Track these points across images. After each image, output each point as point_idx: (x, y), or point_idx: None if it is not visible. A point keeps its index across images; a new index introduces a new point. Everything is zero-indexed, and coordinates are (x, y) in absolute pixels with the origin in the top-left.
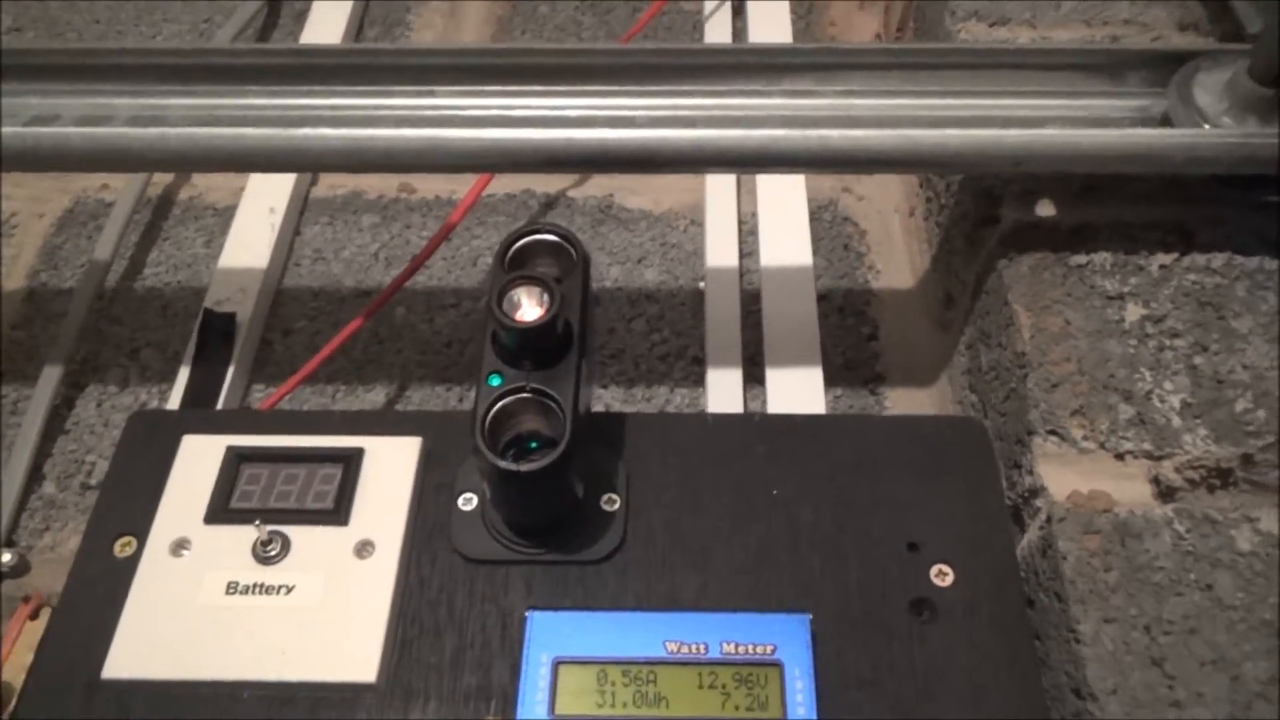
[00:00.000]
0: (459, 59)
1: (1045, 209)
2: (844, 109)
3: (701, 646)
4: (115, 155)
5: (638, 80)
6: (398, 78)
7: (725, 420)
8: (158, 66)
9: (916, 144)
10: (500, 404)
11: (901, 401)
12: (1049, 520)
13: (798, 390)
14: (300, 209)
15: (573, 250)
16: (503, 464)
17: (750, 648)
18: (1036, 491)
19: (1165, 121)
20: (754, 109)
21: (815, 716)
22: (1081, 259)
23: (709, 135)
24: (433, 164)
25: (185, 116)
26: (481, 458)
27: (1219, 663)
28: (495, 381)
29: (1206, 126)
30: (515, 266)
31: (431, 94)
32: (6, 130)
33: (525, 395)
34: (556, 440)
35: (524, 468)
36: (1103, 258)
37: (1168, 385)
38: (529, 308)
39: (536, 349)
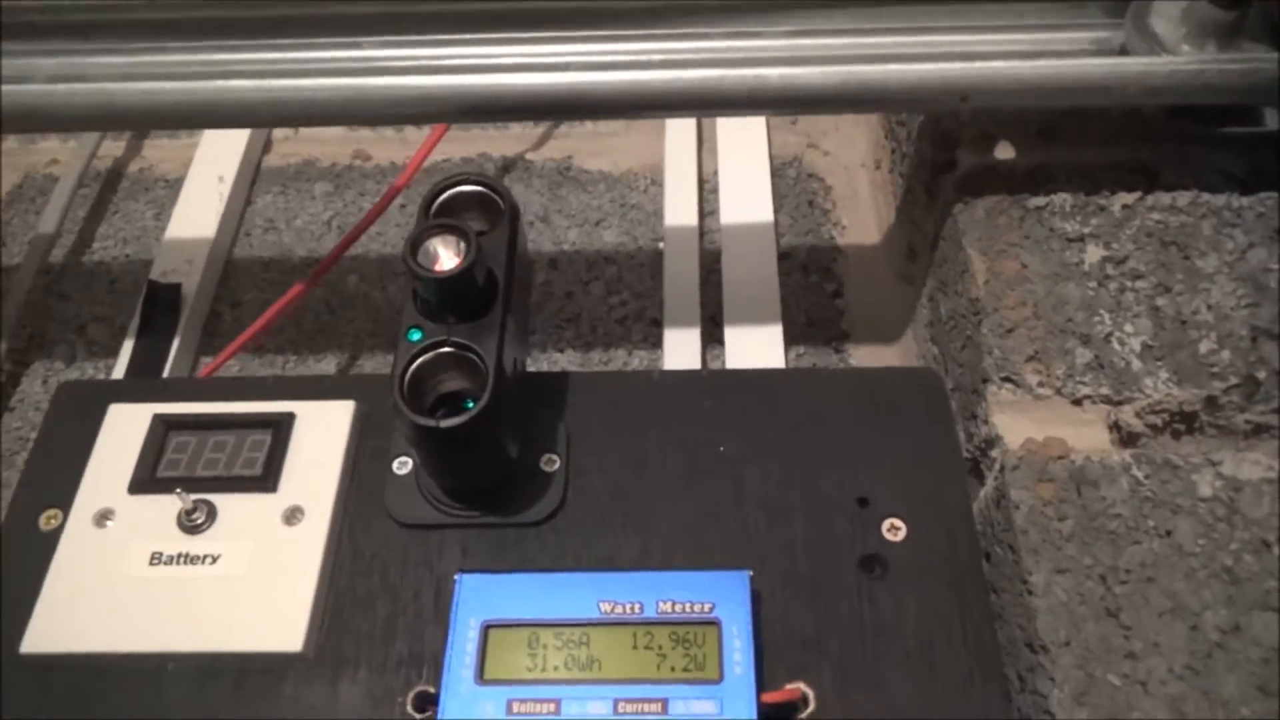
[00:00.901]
0: (385, 7)
1: (1004, 151)
2: (786, 49)
3: (637, 606)
4: (31, 113)
5: (572, 26)
6: (322, 29)
7: (672, 377)
8: (75, 24)
9: (858, 80)
10: (420, 359)
11: (866, 358)
12: (1002, 469)
13: (757, 349)
14: (251, 178)
15: (499, 200)
16: (420, 420)
17: (687, 606)
18: (992, 441)
19: (1123, 53)
20: (693, 52)
21: (753, 676)
22: (1040, 201)
23: (645, 77)
24: (355, 115)
25: (104, 73)
26: (400, 415)
27: (1177, 611)
28: (415, 336)
29: (1165, 55)
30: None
31: (357, 45)
32: None
33: (446, 350)
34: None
35: (443, 424)
36: (1062, 199)
37: (1128, 328)
38: (446, 258)
39: (458, 302)
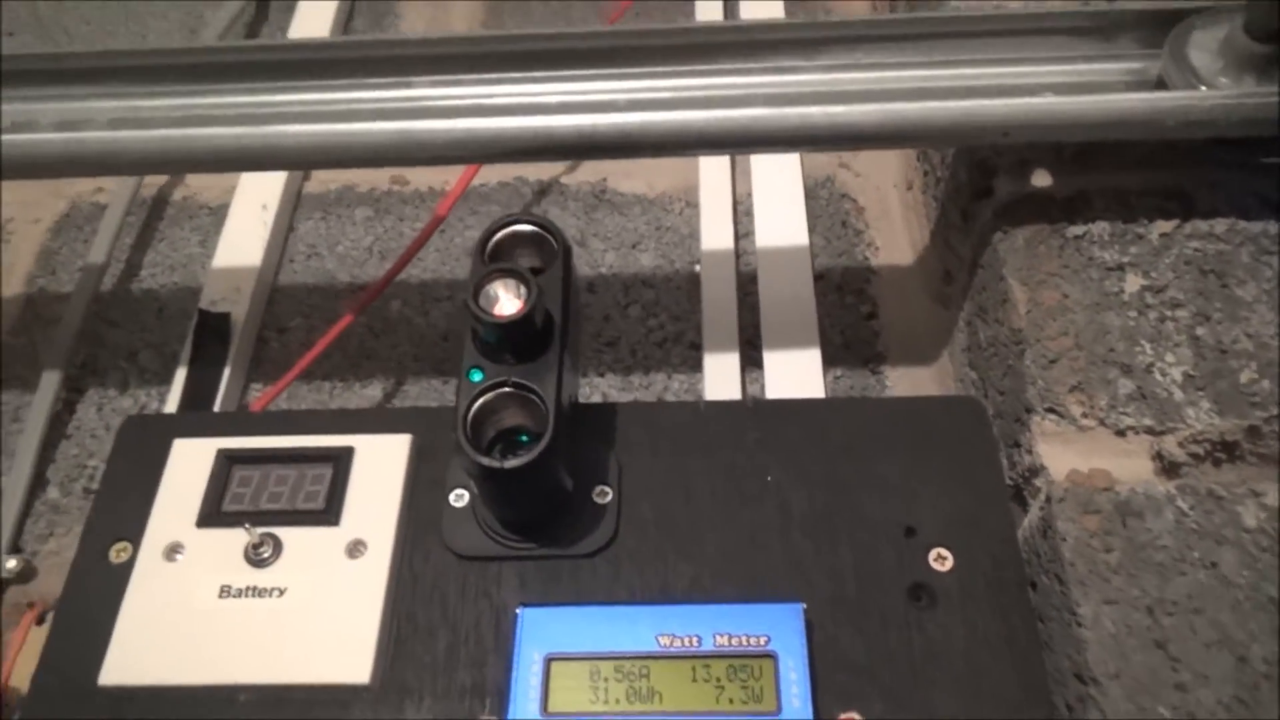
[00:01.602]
0: (436, 48)
1: (1041, 179)
2: (828, 84)
3: (694, 639)
4: (94, 160)
5: (617, 63)
6: (375, 69)
7: (717, 407)
8: (133, 68)
9: (900, 118)
10: (481, 399)
11: (903, 380)
12: (1048, 500)
13: (796, 372)
14: (293, 205)
15: (553, 240)
16: (485, 461)
17: (743, 639)
18: (1036, 471)
19: (1160, 84)
20: (736, 88)
21: (810, 709)
22: (1078, 230)
23: (689, 117)
24: (411, 157)
25: (162, 118)
26: (465, 455)
27: (1224, 643)
28: (476, 377)
29: (1203, 88)
30: (495, 259)
31: (409, 85)
32: None
33: (507, 390)
34: (542, 434)
35: (508, 464)
36: (1100, 228)
37: (1169, 357)
38: (507, 301)
39: (517, 343)
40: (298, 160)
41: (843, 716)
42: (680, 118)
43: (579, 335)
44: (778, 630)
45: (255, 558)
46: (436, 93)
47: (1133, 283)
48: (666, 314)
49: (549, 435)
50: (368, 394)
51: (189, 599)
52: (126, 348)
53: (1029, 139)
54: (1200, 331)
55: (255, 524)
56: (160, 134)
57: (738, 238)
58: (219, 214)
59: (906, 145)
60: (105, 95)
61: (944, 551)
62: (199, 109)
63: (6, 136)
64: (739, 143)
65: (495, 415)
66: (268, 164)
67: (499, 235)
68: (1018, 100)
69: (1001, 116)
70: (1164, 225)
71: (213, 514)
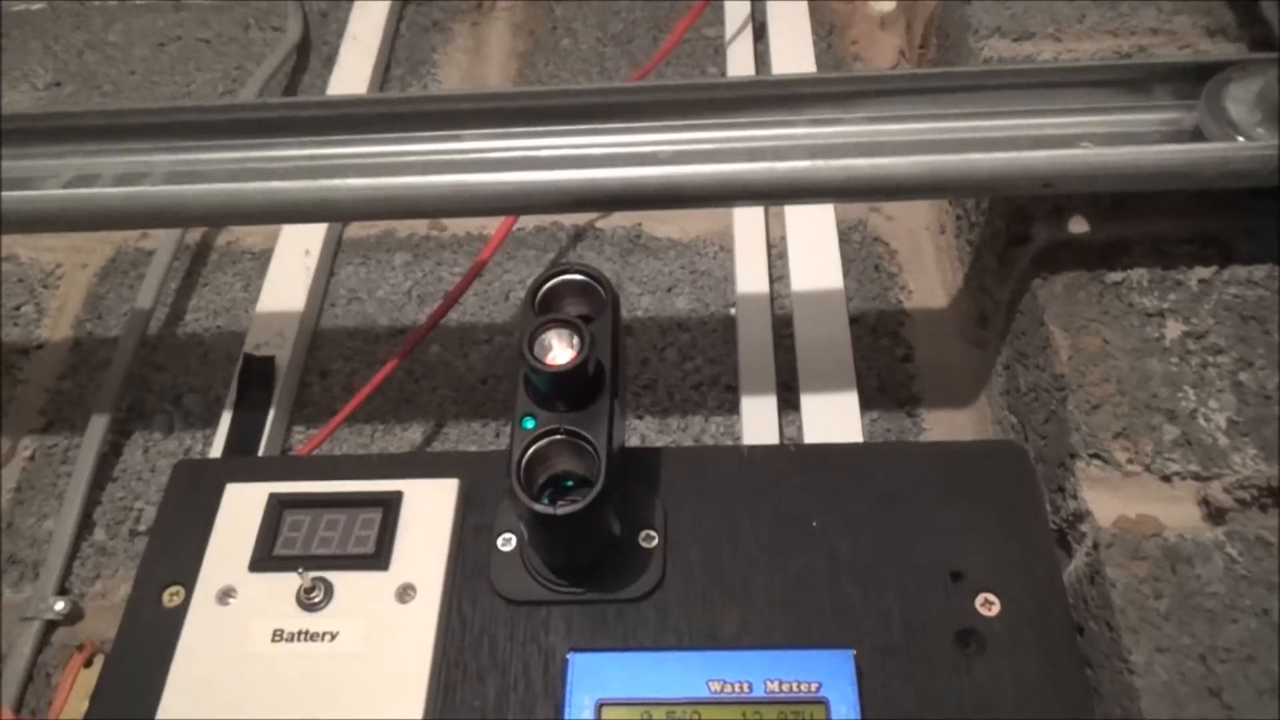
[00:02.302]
0: (483, 103)
1: (1078, 226)
2: (869, 135)
3: (745, 685)
4: (151, 213)
5: (660, 116)
6: (424, 124)
7: (761, 452)
8: (189, 123)
9: (944, 170)
10: (534, 447)
11: (939, 423)
12: (1095, 546)
13: (833, 416)
14: (334, 250)
15: (601, 290)
16: (539, 508)
17: (794, 685)
18: (1081, 516)
19: (1197, 135)
20: (778, 139)
21: None
22: (1117, 276)
23: (734, 169)
24: (460, 209)
25: (218, 171)
26: (518, 502)
27: (1277, 691)
28: (529, 424)
29: (1240, 139)
30: (545, 308)
31: (458, 138)
32: (47, 193)
33: (559, 437)
34: (591, 480)
35: (560, 511)
36: (1139, 274)
37: (1212, 403)
38: (560, 351)
39: (569, 391)
40: (353, 213)
41: None
42: (726, 170)
43: (626, 381)
44: (828, 676)
45: (307, 602)
46: (485, 145)
47: (1173, 329)
48: (703, 357)
49: (601, 482)
50: (408, 437)
51: (242, 642)
52: (172, 391)
53: (1070, 190)
54: (1243, 377)
55: (306, 568)
56: (219, 188)
57: (772, 281)
58: (262, 259)
59: (948, 195)
60: (162, 150)
61: (991, 597)
62: (253, 162)
63: (73, 191)
64: (784, 194)
65: (546, 461)
66: (323, 216)
67: (549, 284)
68: (1059, 152)
69: (1044, 168)
70: (1203, 271)
71: (265, 558)
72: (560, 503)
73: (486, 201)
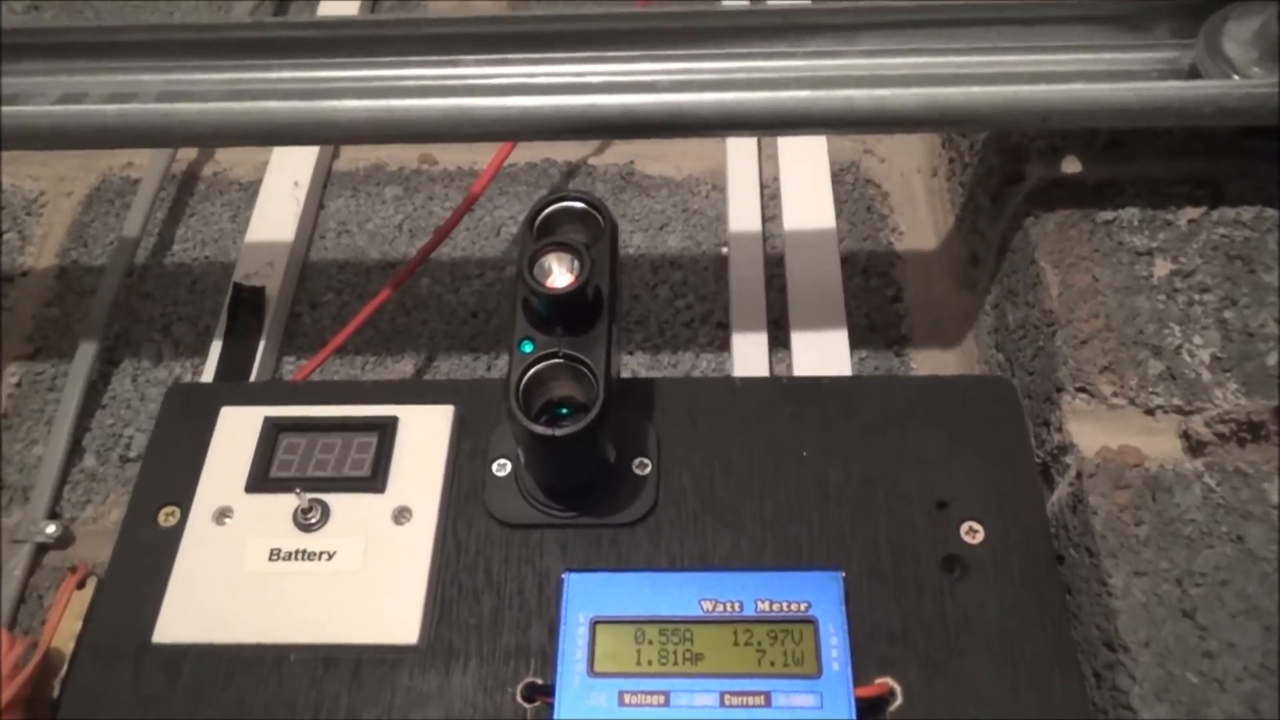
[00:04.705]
0: (480, 27)
1: (1071, 165)
2: (869, 69)
3: (736, 604)
4: (144, 131)
5: (660, 45)
6: (420, 48)
7: (753, 384)
8: (182, 42)
9: (944, 102)
10: (533, 370)
11: (927, 362)
12: (1079, 476)
13: (823, 353)
14: (324, 182)
15: (600, 217)
16: (538, 429)
17: (784, 605)
18: (1066, 448)
19: (1194, 73)
20: (778, 71)
21: (850, 673)
22: (1109, 215)
23: (733, 98)
24: (457, 133)
25: (211, 91)
26: (516, 423)
27: (1251, 613)
28: (528, 348)
29: (1236, 77)
30: (543, 234)
31: (455, 63)
32: (37, 109)
33: (557, 361)
34: (589, 405)
35: (559, 432)
36: (1130, 213)
37: (1197, 340)
38: (559, 274)
39: (568, 315)
40: (348, 134)
41: (879, 681)
42: (726, 98)
43: (622, 310)
44: (818, 597)
45: (304, 522)
46: (481, 70)
47: (1162, 267)
48: (694, 294)
49: (599, 405)
50: (400, 369)
51: (239, 561)
52: (160, 321)
53: (1068, 125)
54: (1228, 315)
55: (303, 490)
56: (211, 107)
57: (765, 220)
58: (250, 190)
59: (946, 130)
60: (153, 69)
61: (975, 525)
62: (246, 84)
63: (63, 107)
64: (783, 124)
65: (544, 386)
66: (317, 139)
67: (548, 210)
68: (1058, 86)
69: (1042, 102)
70: (1192, 212)
71: (261, 480)
72: (558, 426)
73: (482, 126)
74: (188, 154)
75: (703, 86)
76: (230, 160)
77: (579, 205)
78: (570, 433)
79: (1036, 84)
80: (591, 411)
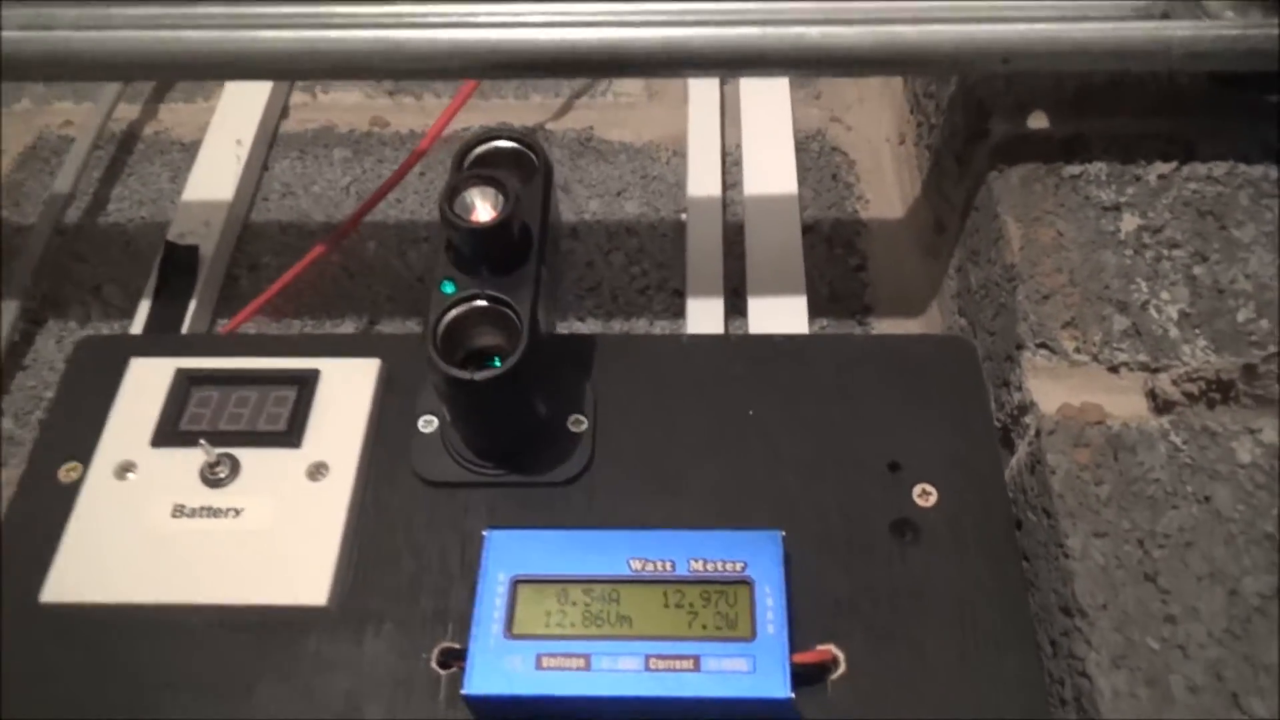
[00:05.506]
0: None
1: (1038, 121)
2: (825, 10)
3: (668, 564)
4: (60, 60)
5: None
6: None
7: (700, 341)
8: None
9: (899, 41)
10: (454, 311)
11: (889, 331)
12: (1038, 434)
13: (781, 321)
14: (269, 143)
15: (534, 157)
16: (456, 373)
17: (719, 565)
18: (1025, 408)
19: (1165, 17)
20: (730, 12)
21: (786, 637)
22: (1075, 169)
23: (680, 34)
24: (396, 69)
25: (132, 22)
26: (435, 369)
27: (1216, 577)
28: (449, 289)
29: (1207, 20)
30: None
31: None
32: None
33: (481, 304)
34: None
35: (478, 377)
36: (1098, 168)
37: (1165, 295)
38: (484, 210)
39: (492, 255)
40: (279, 68)
41: (820, 649)
42: (672, 35)
43: (558, 262)
44: (755, 557)
45: (211, 477)
46: (417, 8)
47: (1129, 222)
48: (650, 261)
49: (522, 349)
50: (340, 333)
51: (140, 518)
52: (91, 281)
53: (1029, 67)
54: (1197, 271)
55: (213, 444)
56: (130, 35)
57: (725, 188)
58: (191, 150)
59: (904, 71)
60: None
61: (928, 487)
62: (170, 18)
63: None
64: (731, 63)
65: (467, 332)
66: (249, 71)
67: (478, 150)
68: (1019, 25)
69: (1002, 42)
70: (1162, 167)
71: (168, 433)
72: (479, 371)
73: (414, 60)
74: (128, 113)
75: (649, 23)
76: (172, 120)
77: (510, 145)
78: (490, 378)
79: (998, 23)
80: (513, 355)
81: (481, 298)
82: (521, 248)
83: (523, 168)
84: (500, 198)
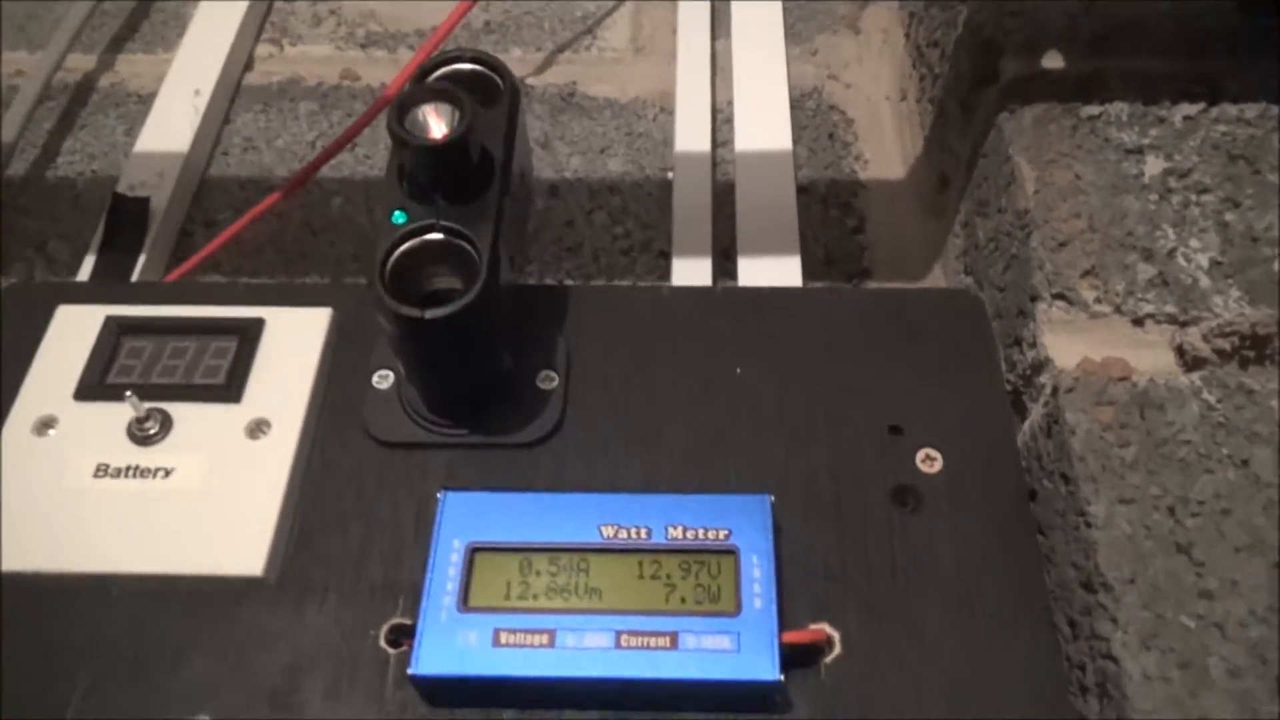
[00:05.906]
0: None
1: (1052, 61)
2: None
3: (643, 531)
4: None
5: None
6: None
7: (684, 293)
8: None
9: None
10: (406, 245)
11: None
12: (1055, 393)
13: (773, 282)
14: (231, 95)
15: (500, 80)
16: (403, 309)
17: (700, 532)
18: (1040, 366)
19: None
20: None
21: (775, 611)
22: (1094, 110)
23: None
24: None
25: None
26: (381, 306)
27: (1257, 547)
28: (400, 219)
29: None
30: None
31: None
32: None
33: (436, 236)
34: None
35: (429, 314)
36: (1118, 108)
37: (1194, 243)
38: (438, 129)
39: (449, 179)
40: None
41: (813, 627)
42: None
43: (527, 204)
44: (741, 524)
45: (140, 434)
46: None
47: (1154, 165)
48: (635, 221)
49: (480, 283)
50: (290, 282)
51: (59, 478)
52: (37, 237)
53: None
54: (1229, 217)
55: (144, 399)
56: None
57: (715, 145)
58: (148, 103)
59: None
60: None
61: (933, 452)
62: None
63: None
64: None
65: (422, 270)
66: None
67: (439, 73)
68: None
69: None
70: (1188, 108)
71: (94, 386)
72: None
73: None
74: (83, 64)
75: None
76: (129, 71)
77: (475, 68)
78: (443, 315)
79: None
80: (470, 291)
81: (437, 229)
82: (483, 175)
83: (489, 95)
84: (457, 114)
